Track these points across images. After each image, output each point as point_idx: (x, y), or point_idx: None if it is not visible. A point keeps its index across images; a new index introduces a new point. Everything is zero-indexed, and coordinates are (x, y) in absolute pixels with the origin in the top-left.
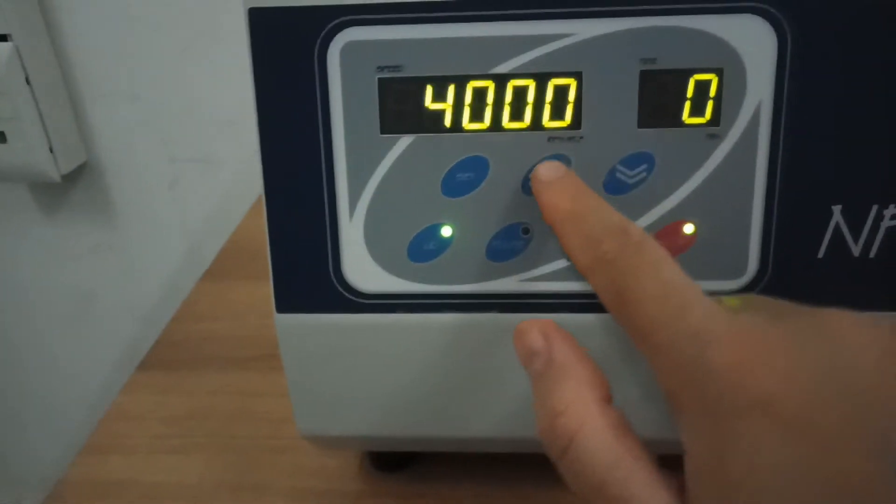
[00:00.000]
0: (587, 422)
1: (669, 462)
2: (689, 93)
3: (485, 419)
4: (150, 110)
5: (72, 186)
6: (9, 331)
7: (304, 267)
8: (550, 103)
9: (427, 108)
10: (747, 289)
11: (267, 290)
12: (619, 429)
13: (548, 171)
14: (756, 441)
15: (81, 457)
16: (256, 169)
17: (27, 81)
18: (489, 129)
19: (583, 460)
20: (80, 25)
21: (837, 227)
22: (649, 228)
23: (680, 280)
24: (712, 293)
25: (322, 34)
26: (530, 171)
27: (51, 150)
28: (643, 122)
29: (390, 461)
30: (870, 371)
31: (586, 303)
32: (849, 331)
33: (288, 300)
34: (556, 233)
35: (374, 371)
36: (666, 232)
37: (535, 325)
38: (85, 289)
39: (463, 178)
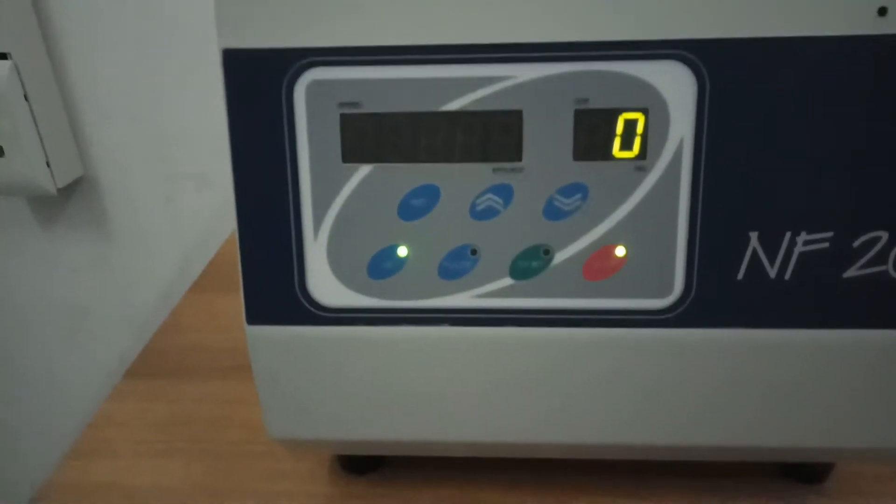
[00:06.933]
0: None
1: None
2: (619, 130)
3: (441, 423)
4: (147, 127)
5: (68, 200)
6: (3, 341)
7: (272, 283)
8: (495, 138)
9: (384, 141)
10: (674, 307)
11: None
12: None
13: None
14: None
15: (67, 460)
16: None
17: (25, 98)
18: (440, 160)
19: None
20: (80, 43)
21: (755, 251)
22: (585, 251)
23: None
24: (642, 311)
25: (289, 73)
26: (478, 197)
27: (48, 165)
28: (578, 156)
29: (359, 465)
30: None
31: (529, 318)
32: None
33: (257, 313)
34: None
35: (337, 379)
36: (600, 254)
37: None
38: (79, 301)
39: (417, 204)
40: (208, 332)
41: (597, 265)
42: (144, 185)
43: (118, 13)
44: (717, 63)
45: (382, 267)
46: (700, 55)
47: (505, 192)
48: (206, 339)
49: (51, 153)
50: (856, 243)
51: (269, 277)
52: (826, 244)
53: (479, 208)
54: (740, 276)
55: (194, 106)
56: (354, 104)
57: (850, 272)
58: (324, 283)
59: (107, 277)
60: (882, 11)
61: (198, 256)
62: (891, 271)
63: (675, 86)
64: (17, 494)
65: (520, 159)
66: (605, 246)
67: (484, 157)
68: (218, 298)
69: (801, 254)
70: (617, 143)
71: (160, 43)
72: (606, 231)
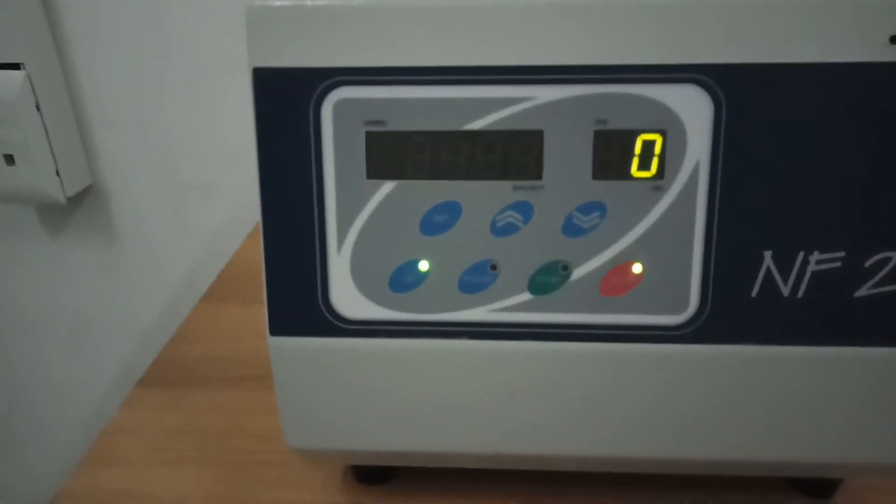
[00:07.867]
0: None
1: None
2: (637, 150)
3: (459, 435)
4: (156, 137)
5: (76, 208)
6: (8, 347)
7: (295, 294)
8: (515, 157)
9: (408, 158)
10: (689, 323)
11: (259, 313)
12: None
13: None
14: None
15: (80, 468)
16: (255, 197)
17: (37, 108)
18: (462, 178)
19: None
20: (91, 55)
21: (768, 270)
22: (602, 268)
23: None
24: (658, 327)
25: (317, 92)
26: (498, 213)
27: (57, 174)
28: (597, 175)
29: (372, 475)
30: None
31: (547, 332)
32: None
33: (280, 324)
34: None
35: (358, 390)
36: (617, 271)
37: None
38: (85, 309)
39: (438, 220)
40: (219, 343)
41: (614, 281)
42: (152, 194)
43: (127, 25)
44: (733, 87)
45: (404, 281)
46: (716, 79)
47: (525, 210)
48: (216, 349)
49: (60, 162)
50: (867, 263)
51: (293, 289)
52: (838, 263)
53: (499, 225)
54: (754, 293)
55: (202, 116)
56: (380, 122)
57: (862, 291)
58: (346, 296)
59: (113, 286)
60: (893, 39)
61: (204, 266)
62: None
63: (692, 108)
64: (19, 500)
65: (540, 177)
66: (623, 263)
67: (505, 175)
68: (229, 309)
69: (814, 273)
70: (635, 163)
71: (168, 54)
72: (624, 248)
